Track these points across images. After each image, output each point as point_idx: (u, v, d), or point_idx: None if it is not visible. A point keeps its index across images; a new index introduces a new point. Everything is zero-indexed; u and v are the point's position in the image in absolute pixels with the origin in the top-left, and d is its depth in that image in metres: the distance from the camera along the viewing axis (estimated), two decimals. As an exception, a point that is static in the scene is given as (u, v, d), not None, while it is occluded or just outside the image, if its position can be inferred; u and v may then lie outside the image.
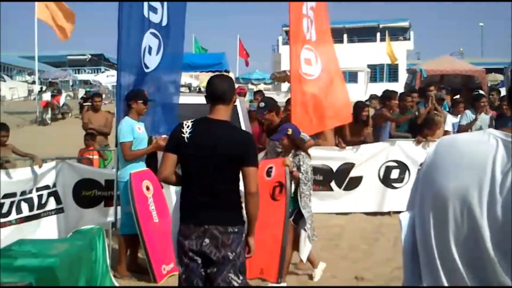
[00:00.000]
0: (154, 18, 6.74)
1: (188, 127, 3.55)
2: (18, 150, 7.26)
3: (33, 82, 32.52)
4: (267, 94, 38.23)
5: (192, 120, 3.61)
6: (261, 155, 8.60)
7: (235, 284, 3.49)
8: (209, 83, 3.72)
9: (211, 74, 29.32)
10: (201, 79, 44.60)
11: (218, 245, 3.45)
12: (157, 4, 6.79)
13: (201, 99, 8.06)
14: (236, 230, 3.51)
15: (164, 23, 6.88)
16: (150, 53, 6.69)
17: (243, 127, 7.08)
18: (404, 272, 1.82)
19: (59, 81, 35.20)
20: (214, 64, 18.62)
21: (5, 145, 7.36)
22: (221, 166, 3.50)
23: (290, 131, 5.55)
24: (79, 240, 5.07)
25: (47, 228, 6.84)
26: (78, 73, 50.76)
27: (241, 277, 3.52)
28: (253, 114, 9.02)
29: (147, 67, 6.65)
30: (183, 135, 3.53)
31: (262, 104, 6.15)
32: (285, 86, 38.79)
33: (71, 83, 42.40)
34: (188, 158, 3.53)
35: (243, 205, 3.60)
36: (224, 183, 3.52)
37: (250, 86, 35.08)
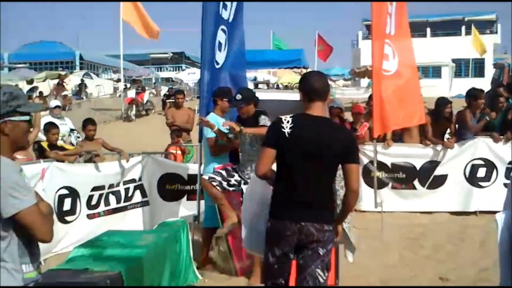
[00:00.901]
0: (225, 14, 6.79)
1: (288, 122, 3.50)
2: (107, 144, 7.60)
3: (118, 80, 33.79)
4: (347, 89, 37.84)
5: (290, 115, 3.57)
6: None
7: (321, 280, 3.50)
8: (305, 79, 3.67)
9: (289, 70, 29.27)
10: (279, 75, 44.72)
11: (312, 241, 3.47)
12: (228, 1, 6.85)
13: (280, 95, 8.09)
14: (330, 228, 3.53)
15: (230, 19, 6.93)
16: (220, 49, 6.76)
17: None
18: (500, 272, 1.76)
19: (142, 78, 36.44)
20: (292, 60, 18.63)
21: (96, 139, 7.72)
22: (325, 162, 3.48)
23: None
24: (165, 232, 5.23)
25: (133, 220, 7.12)
26: (160, 71, 52.39)
27: (326, 274, 3.53)
28: (334, 111, 8.96)
29: (217, 63, 6.73)
30: (283, 130, 3.48)
31: (238, 96, 5.77)
32: (364, 81, 38.21)
33: (153, 81, 43.73)
34: (289, 153, 3.48)
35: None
36: (325, 180, 3.53)
37: (329, 82, 34.75)
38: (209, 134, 6.11)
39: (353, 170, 3.49)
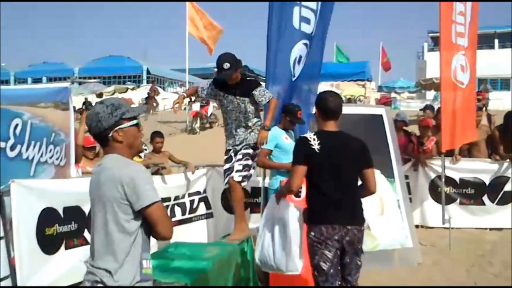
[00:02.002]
0: (306, 28, 6.75)
1: (314, 139, 3.92)
2: (174, 157, 7.74)
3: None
4: (412, 102, 36.98)
5: (314, 133, 4.02)
6: (407, 166, 8.40)
7: (359, 263, 4.00)
8: (323, 99, 4.10)
9: (352, 82, 28.86)
10: (342, 88, 44.38)
11: (355, 241, 3.91)
12: (310, 15, 6.80)
13: (344, 109, 7.97)
14: (364, 228, 4.02)
15: (313, 33, 6.90)
16: (299, 62, 6.74)
17: (389, 139, 6.87)
18: None
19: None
20: (356, 73, 18.53)
21: (163, 152, 7.89)
22: (352, 170, 3.98)
23: None
24: (229, 245, 5.26)
25: (197, 232, 7.21)
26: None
27: (361, 257, 4.03)
28: (399, 124, 8.82)
29: (293, 76, 6.72)
30: (312, 146, 3.89)
31: (227, 65, 5.66)
32: (430, 94, 37.29)
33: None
34: (322, 167, 3.90)
35: None
36: (355, 186, 4.03)
37: (393, 94, 34.17)
38: (264, 144, 6.11)
39: (372, 173, 4.05)
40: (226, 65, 5.68)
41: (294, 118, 6.14)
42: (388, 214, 6.28)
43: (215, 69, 5.83)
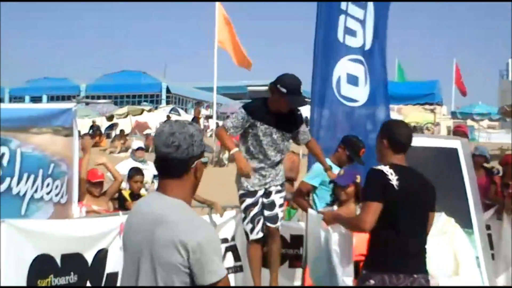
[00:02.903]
0: (352, 42, 6.78)
1: (392, 174, 4.10)
2: (196, 195, 7.74)
3: (209, 117, 34.79)
4: (493, 132, 36.46)
5: (388, 166, 4.19)
6: (489, 214, 8.20)
7: None
8: (394, 129, 4.35)
9: (419, 107, 28.59)
10: (405, 113, 44.05)
11: None
12: (356, 26, 6.84)
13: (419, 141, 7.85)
14: (429, 278, 4.22)
15: (367, 46, 6.89)
16: (356, 83, 6.73)
17: (466, 179, 6.73)
18: None
19: (237, 115, 37.26)
20: (424, 95, 18.32)
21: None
22: (427, 212, 4.28)
23: (359, 179, 5.57)
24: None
25: None
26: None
27: None
28: (478, 160, 8.64)
29: (352, 101, 6.70)
30: (391, 182, 4.07)
31: (302, 90, 5.83)
32: (517, 123, 36.73)
33: (251, 118, 44.59)
34: (399, 205, 4.09)
35: None
36: (426, 228, 4.30)
37: (469, 122, 33.71)
38: (306, 178, 6.11)
39: (431, 218, 4.36)
40: (302, 89, 5.73)
41: (355, 155, 6.15)
42: (464, 274, 6.11)
43: (282, 89, 5.63)
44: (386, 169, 4.12)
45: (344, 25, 6.76)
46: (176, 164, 2.67)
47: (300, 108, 5.92)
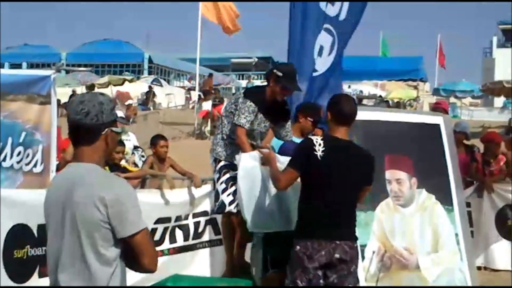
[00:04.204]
0: (331, 10, 6.71)
1: (320, 145, 4.38)
2: (178, 166, 7.70)
3: (192, 89, 34.64)
4: (476, 110, 36.74)
5: (321, 137, 4.52)
6: (469, 191, 8.24)
7: None
8: (337, 103, 4.58)
9: (402, 83, 28.70)
10: (389, 88, 44.18)
11: (346, 259, 4.38)
12: None
13: (391, 115, 7.84)
14: (357, 245, 4.58)
15: (342, 16, 6.84)
16: (320, 54, 6.69)
17: (448, 156, 6.73)
18: None
19: (221, 87, 37.13)
20: (408, 71, 18.31)
21: (164, 159, 7.86)
22: (354, 185, 4.55)
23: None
24: (241, 281, 5.20)
25: (202, 262, 7.11)
26: (242, 78, 53.24)
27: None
28: (458, 137, 8.65)
29: (315, 71, 6.67)
30: (315, 152, 4.36)
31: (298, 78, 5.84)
32: (499, 101, 37.00)
33: (233, 91, 44.54)
34: (320, 175, 4.41)
35: None
36: (354, 201, 4.59)
37: (452, 99, 33.91)
38: None
39: (367, 191, 4.75)
40: (298, 77, 5.77)
41: (318, 118, 6.14)
42: (443, 251, 6.16)
43: (278, 72, 5.67)
44: (316, 139, 4.45)
45: None
46: (87, 131, 2.79)
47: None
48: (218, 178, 5.96)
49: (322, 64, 6.69)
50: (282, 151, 5.61)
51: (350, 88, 38.37)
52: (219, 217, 7.27)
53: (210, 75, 33.04)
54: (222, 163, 6.08)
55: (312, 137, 4.55)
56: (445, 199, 6.42)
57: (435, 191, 6.25)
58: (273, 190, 5.05)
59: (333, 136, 4.52)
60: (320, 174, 4.40)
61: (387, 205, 6.05)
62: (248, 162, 5.27)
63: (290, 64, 6.01)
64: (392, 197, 6.08)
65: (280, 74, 5.67)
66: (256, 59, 58.05)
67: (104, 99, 2.85)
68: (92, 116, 2.76)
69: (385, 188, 6.07)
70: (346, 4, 6.81)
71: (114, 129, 2.86)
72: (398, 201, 6.09)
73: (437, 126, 6.86)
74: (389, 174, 6.12)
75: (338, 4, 6.72)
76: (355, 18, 7.07)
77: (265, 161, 5.05)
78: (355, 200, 4.63)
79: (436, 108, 10.38)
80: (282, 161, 5.00)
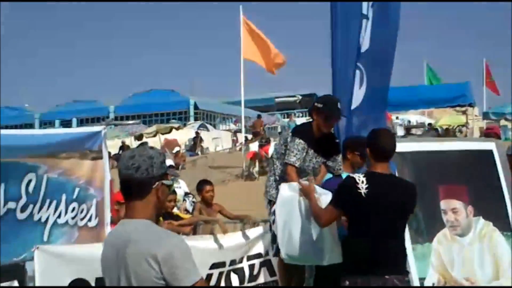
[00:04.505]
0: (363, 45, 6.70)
1: (362, 182, 4.42)
2: (227, 211, 7.72)
3: (238, 131, 34.84)
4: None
5: (363, 174, 4.53)
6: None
7: None
8: (376, 138, 4.64)
9: (450, 109, 28.17)
10: (436, 116, 43.58)
11: None
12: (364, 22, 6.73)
13: (442, 145, 7.75)
14: (408, 278, 4.71)
15: (365, 46, 6.80)
16: (360, 86, 6.68)
17: (503, 181, 6.59)
18: None
19: (266, 128, 37.24)
20: (455, 97, 18.08)
21: (211, 204, 7.89)
22: (400, 219, 4.60)
23: None
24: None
25: (259, 305, 7.08)
26: (287, 117, 53.33)
27: None
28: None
29: (351, 104, 6.65)
30: (359, 190, 4.41)
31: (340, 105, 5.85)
32: (552, 120, 36.03)
33: (279, 130, 44.60)
34: (368, 214, 4.45)
35: None
36: (401, 233, 4.66)
37: (503, 122, 33.21)
38: None
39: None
40: (340, 105, 5.78)
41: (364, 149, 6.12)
42: (505, 279, 6.00)
43: (319, 104, 5.77)
44: (359, 177, 4.48)
45: (365, 29, 6.66)
46: (138, 185, 2.81)
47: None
48: (274, 221, 5.92)
49: (355, 97, 6.66)
50: (326, 186, 5.58)
51: (398, 119, 38.09)
52: (273, 259, 7.24)
53: (259, 116, 33.22)
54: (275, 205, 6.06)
55: (354, 175, 4.59)
56: (503, 225, 6.28)
57: (492, 218, 6.14)
58: (308, 221, 5.06)
59: (375, 171, 4.58)
60: (367, 211, 4.46)
61: (444, 236, 5.95)
62: (287, 192, 5.32)
63: (329, 95, 6.08)
64: (449, 227, 5.99)
65: (320, 105, 5.71)
66: (300, 97, 58.15)
67: (154, 152, 2.87)
68: (142, 170, 2.80)
69: (441, 219, 5.99)
70: (368, 33, 6.77)
71: (164, 182, 2.88)
72: (455, 231, 5.99)
73: (489, 152, 6.76)
74: (444, 204, 6.06)
75: (368, 36, 6.69)
76: (380, 47, 7.00)
77: (304, 192, 5.08)
78: (403, 232, 4.68)
79: (488, 134, 10.22)
80: (320, 192, 5.07)
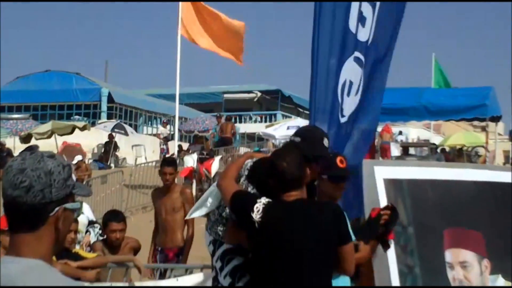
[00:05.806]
0: (362, 34, 6.84)
1: (258, 210, 4.73)
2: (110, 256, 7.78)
3: (168, 138, 34.65)
4: None
5: (266, 200, 4.77)
6: None
7: None
8: (278, 165, 4.80)
9: (465, 123, 28.61)
10: (445, 131, 44.14)
11: None
12: (368, 11, 6.88)
13: (451, 172, 7.92)
14: None
15: (370, 40, 6.95)
16: (349, 93, 6.77)
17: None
18: None
19: (209, 135, 37.13)
20: (472, 107, 18.15)
21: (117, 248, 7.88)
22: (313, 253, 4.78)
23: None
24: None
25: None
26: (240, 121, 53.22)
27: None
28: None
29: (343, 115, 6.75)
30: (252, 219, 4.68)
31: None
32: None
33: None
34: (261, 249, 4.82)
35: None
36: (316, 275, 4.82)
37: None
38: None
39: (348, 252, 4.81)
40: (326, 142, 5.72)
41: (339, 174, 6.21)
42: None
43: (296, 138, 5.73)
44: (259, 200, 4.74)
45: (359, 10, 6.76)
46: (28, 212, 2.61)
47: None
48: (221, 268, 5.92)
49: (349, 106, 6.75)
50: None
51: (402, 134, 38.22)
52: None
53: (227, 118, 33.36)
54: (224, 246, 6.04)
55: (261, 199, 4.82)
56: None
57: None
58: None
59: (276, 200, 4.80)
60: (260, 246, 4.83)
61: (450, 300, 6.02)
62: None
63: (310, 126, 6.22)
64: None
65: (298, 139, 5.64)
66: (259, 93, 57.58)
67: (54, 164, 2.64)
68: (35, 191, 2.59)
69: (446, 275, 6.02)
70: (374, 25, 6.91)
71: (68, 206, 2.69)
72: (465, 293, 6.06)
73: (509, 186, 6.84)
74: (450, 255, 6.06)
75: (368, 23, 6.81)
76: (382, 40, 7.16)
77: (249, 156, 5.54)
78: (320, 273, 4.80)
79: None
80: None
